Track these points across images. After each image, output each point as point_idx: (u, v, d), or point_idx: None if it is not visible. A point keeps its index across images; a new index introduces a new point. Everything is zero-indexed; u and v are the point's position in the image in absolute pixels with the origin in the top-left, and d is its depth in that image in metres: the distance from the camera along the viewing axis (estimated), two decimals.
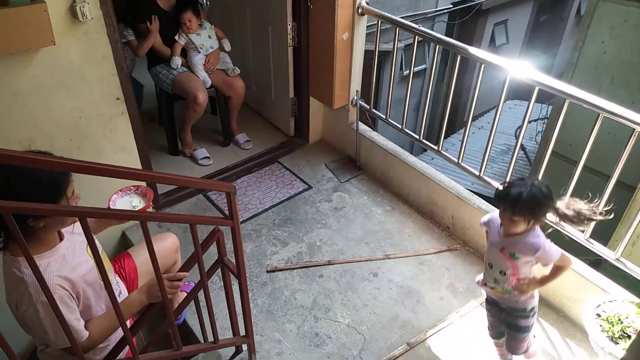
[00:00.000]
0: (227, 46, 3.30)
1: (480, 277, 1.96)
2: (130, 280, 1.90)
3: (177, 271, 1.63)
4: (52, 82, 2.10)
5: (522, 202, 1.59)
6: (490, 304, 1.97)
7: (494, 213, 1.86)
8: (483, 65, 2.38)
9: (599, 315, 1.98)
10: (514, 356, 2.05)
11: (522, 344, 1.93)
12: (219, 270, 1.73)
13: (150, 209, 1.62)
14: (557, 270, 1.75)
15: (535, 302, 1.84)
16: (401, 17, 2.95)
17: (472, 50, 2.37)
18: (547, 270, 1.77)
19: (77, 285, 1.45)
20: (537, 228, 1.70)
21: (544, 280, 1.77)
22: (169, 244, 1.99)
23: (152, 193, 1.60)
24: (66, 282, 1.41)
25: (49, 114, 2.17)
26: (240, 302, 1.83)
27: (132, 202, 1.62)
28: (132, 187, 1.63)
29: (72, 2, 1.98)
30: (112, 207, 1.55)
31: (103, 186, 2.02)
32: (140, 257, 1.94)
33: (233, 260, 1.71)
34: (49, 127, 2.20)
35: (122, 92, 2.34)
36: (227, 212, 1.54)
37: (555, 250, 1.70)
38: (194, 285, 1.79)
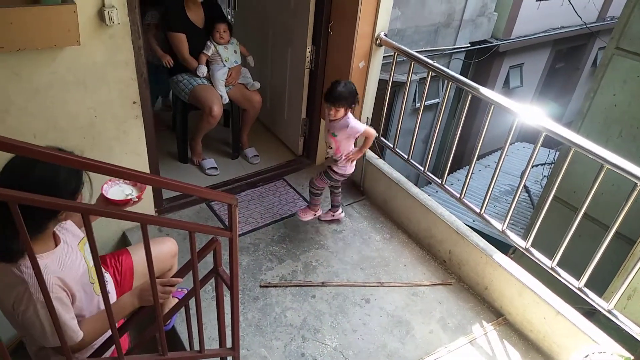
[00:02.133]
0: (251, 62, 3.40)
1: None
2: (124, 277, 1.91)
3: (172, 277, 1.65)
4: (72, 79, 2.17)
5: (342, 96, 2.46)
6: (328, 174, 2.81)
7: None
8: (493, 106, 2.43)
9: (587, 355, 1.97)
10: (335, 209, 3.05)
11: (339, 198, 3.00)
12: (213, 280, 1.74)
13: (153, 212, 1.66)
14: (366, 140, 2.64)
15: (350, 170, 2.77)
16: (418, 51, 3.02)
17: (483, 90, 2.42)
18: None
19: (72, 287, 1.47)
20: (349, 114, 2.54)
21: (361, 149, 2.69)
22: (167, 249, 2.02)
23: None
24: (63, 283, 1.43)
25: (66, 109, 2.23)
26: (230, 314, 1.84)
27: (125, 191, 1.65)
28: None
29: (102, 6, 2.06)
30: (105, 196, 1.59)
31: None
32: (137, 256, 1.96)
33: (228, 271, 1.73)
34: (64, 123, 2.26)
35: (139, 96, 2.40)
36: (227, 223, 1.56)
37: (359, 125, 2.56)
38: (186, 292, 1.80)
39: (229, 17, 4.43)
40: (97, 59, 2.19)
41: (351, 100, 2.49)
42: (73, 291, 1.47)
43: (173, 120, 3.64)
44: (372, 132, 2.63)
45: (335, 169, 2.75)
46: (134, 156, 2.54)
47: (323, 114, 2.67)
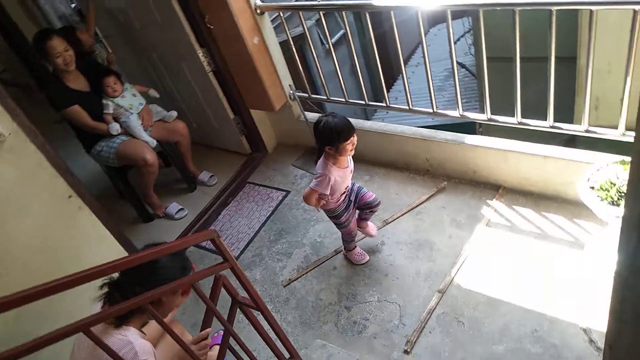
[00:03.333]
0: (155, 93, 3.26)
1: None
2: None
3: (200, 330, 1.62)
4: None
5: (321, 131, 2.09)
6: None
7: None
8: (393, 11, 2.40)
9: (592, 188, 2.04)
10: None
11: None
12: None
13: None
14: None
15: (333, 207, 2.32)
16: None
17: (376, 2, 2.38)
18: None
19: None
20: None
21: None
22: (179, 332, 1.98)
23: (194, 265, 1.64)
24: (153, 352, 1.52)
25: (11, 238, 2.10)
26: (272, 329, 1.83)
27: None
28: None
29: None
30: None
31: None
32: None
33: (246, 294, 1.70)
34: (17, 252, 2.14)
35: (71, 188, 2.28)
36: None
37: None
38: (222, 334, 1.78)
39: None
40: (10, 176, 2.05)
41: (338, 140, 2.07)
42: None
43: (116, 188, 3.50)
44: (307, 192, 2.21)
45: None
46: (102, 244, 2.43)
47: (344, 152, 2.13)
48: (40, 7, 3.41)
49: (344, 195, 2.33)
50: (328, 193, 2.18)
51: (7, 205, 2.07)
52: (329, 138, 2.06)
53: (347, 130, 2.06)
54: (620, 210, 1.87)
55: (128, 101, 3.05)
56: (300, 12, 2.80)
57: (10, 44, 4.24)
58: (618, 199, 1.92)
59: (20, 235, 2.13)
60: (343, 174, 2.21)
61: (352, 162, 2.29)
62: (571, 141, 2.99)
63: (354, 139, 2.10)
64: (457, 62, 4.30)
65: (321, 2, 2.65)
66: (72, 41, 2.92)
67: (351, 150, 2.12)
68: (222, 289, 1.66)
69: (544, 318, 2.06)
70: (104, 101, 2.97)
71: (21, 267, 2.13)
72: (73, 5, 3.76)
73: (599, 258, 2.18)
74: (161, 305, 1.52)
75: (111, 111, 2.99)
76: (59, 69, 2.82)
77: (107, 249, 2.44)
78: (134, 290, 1.32)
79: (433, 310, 2.24)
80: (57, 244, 2.28)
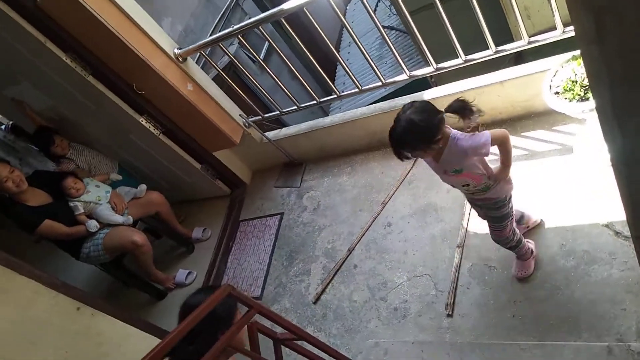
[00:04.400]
0: (116, 176, 3.22)
1: None
2: None
3: None
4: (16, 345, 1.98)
5: (401, 143, 1.55)
6: (470, 202, 1.92)
7: None
8: (305, 8, 2.39)
9: (557, 93, 2.06)
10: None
11: (502, 233, 1.86)
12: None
13: None
14: (502, 146, 1.65)
15: (509, 189, 1.78)
16: (215, 26, 2.91)
17: (286, 6, 2.37)
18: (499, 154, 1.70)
19: None
20: (451, 134, 1.58)
21: (503, 163, 1.69)
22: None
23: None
24: None
25: None
26: (321, 350, 1.81)
27: None
28: None
29: None
30: None
31: None
32: None
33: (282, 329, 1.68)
34: None
35: (76, 300, 2.22)
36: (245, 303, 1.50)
37: (481, 138, 1.57)
38: None
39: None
40: (13, 317, 1.99)
41: (428, 131, 1.52)
42: None
43: (119, 280, 3.43)
44: (500, 132, 1.63)
45: (491, 195, 1.75)
46: (129, 341, 2.38)
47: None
48: None
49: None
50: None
51: (20, 344, 2.01)
52: (435, 116, 1.53)
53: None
54: (591, 103, 1.89)
55: (94, 194, 2.98)
56: (220, 44, 2.77)
57: None
58: (585, 93, 1.95)
59: None
60: None
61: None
62: (519, 58, 3.02)
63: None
64: (384, 27, 4.30)
65: (235, 27, 2.63)
66: (24, 134, 2.84)
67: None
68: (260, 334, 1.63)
69: (564, 230, 2.07)
70: (71, 204, 2.90)
71: None
72: (2, 127, 3.67)
73: (591, 153, 2.20)
74: None
75: (82, 210, 2.92)
76: (12, 192, 2.74)
77: (135, 343, 2.39)
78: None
79: (460, 267, 2.24)
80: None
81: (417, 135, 1.53)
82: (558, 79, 2.10)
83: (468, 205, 2.40)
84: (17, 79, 3.04)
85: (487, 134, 1.57)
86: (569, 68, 2.08)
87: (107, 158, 3.41)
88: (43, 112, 3.26)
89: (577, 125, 2.31)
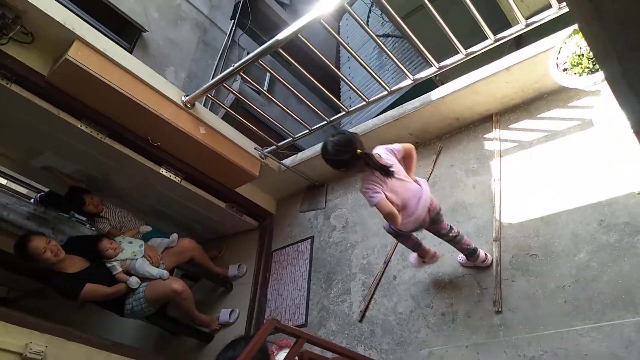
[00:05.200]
0: (146, 228, 3.30)
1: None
2: None
3: None
4: None
5: (332, 160, 1.92)
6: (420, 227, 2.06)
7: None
8: (300, 34, 2.43)
9: (565, 69, 2.03)
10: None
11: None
12: None
13: None
14: (408, 159, 2.03)
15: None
16: (216, 67, 2.96)
17: (280, 36, 2.42)
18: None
19: None
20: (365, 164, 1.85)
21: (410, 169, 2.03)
22: None
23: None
24: None
25: None
26: None
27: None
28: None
29: None
30: None
31: None
32: None
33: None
34: None
35: (127, 357, 2.26)
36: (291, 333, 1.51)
37: (381, 149, 1.98)
38: None
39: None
40: None
41: (344, 157, 1.86)
42: None
43: (166, 329, 3.46)
44: (406, 146, 2.03)
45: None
46: None
47: None
48: (4, 219, 3.43)
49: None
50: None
51: None
52: (348, 146, 1.87)
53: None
54: (602, 74, 1.86)
55: (129, 251, 3.04)
56: (224, 84, 2.83)
57: None
58: (593, 65, 1.91)
59: None
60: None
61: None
62: (521, 42, 2.99)
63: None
64: (379, 36, 4.31)
65: (236, 65, 2.69)
66: (52, 204, 2.92)
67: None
68: None
69: (601, 205, 2.02)
70: (109, 264, 2.96)
71: None
72: (32, 200, 3.80)
73: (612, 122, 2.15)
74: None
75: (120, 269, 2.97)
76: (51, 262, 2.80)
77: None
78: None
79: (500, 260, 2.19)
80: None
81: (328, 162, 1.94)
82: (564, 55, 2.07)
83: (496, 197, 2.37)
84: (39, 149, 3.15)
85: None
86: (573, 42, 2.05)
87: (132, 214, 3.48)
88: (72, 174, 3.37)
89: (592, 97, 2.27)
